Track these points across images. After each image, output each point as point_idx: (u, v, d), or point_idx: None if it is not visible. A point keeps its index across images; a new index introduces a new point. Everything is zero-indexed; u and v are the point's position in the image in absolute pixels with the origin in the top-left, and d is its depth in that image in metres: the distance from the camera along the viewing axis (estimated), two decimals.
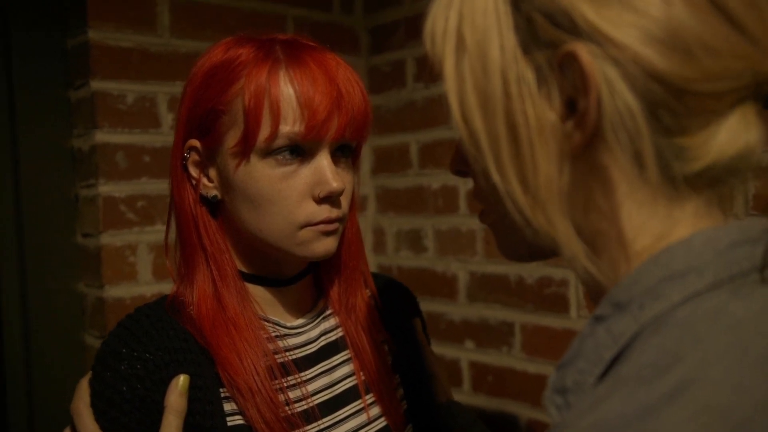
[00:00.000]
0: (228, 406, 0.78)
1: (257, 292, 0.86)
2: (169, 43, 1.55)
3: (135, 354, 0.77)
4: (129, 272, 1.49)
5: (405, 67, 1.83)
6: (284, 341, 0.85)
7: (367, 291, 0.96)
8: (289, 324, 0.87)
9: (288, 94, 0.77)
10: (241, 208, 0.81)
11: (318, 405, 0.84)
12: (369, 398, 0.89)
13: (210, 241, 0.84)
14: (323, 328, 0.90)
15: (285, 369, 0.83)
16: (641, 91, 0.44)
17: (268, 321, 0.85)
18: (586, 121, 0.45)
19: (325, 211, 0.80)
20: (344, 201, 0.83)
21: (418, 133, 1.81)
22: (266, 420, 0.77)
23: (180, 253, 0.86)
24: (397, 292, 1.03)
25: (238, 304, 0.82)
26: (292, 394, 0.82)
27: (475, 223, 1.69)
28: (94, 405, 0.78)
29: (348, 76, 0.81)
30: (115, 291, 1.47)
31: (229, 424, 0.77)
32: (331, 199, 0.80)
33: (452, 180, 1.73)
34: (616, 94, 0.44)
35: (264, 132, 0.77)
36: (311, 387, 0.85)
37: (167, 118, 1.54)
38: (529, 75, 0.47)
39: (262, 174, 0.78)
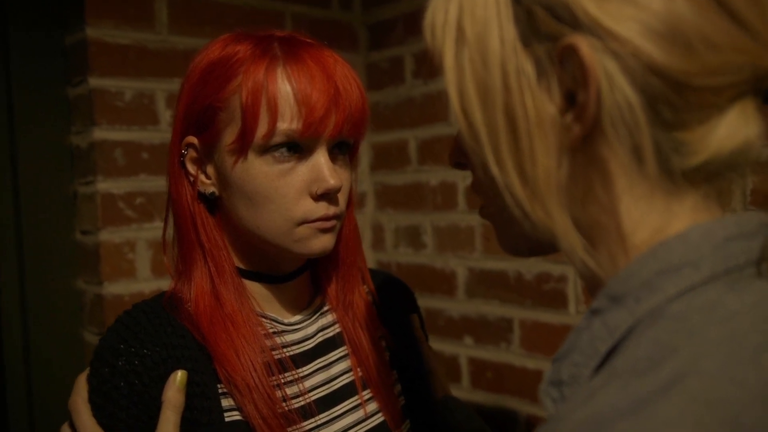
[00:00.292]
0: (225, 402, 0.78)
1: (255, 288, 0.86)
2: (167, 40, 1.55)
3: (133, 350, 0.77)
4: (127, 269, 1.49)
5: (403, 64, 1.83)
6: (281, 337, 0.85)
7: (365, 287, 0.96)
8: (286, 320, 0.87)
9: (285, 91, 0.77)
10: (239, 205, 0.81)
11: (315, 401, 0.84)
12: (366, 394, 0.89)
13: (207, 237, 0.84)
14: (321, 325, 0.90)
15: (282, 365, 0.83)
16: (641, 84, 0.44)
17: (265, 317, 0.86)
18: (585, 115, 0.45)
19: (323, 208, 0.80)
20: (342, 198, 0.83)
21: (416, 129, 1.81)
22: (263, 416, 0.78)
23: (178, 250, 0.86)
24: (395, 288, 1.03)
25: (235, 301, 0.83)
26: (290, 390, 0.82)
27: (473, 219, 1.69)
28: (92, 401, 0.78)
29: (345, 73, 0.81)
30: (114, 288, 1.47)
31: (226, 419, 0.77)
32: (328, 196, 0.81)
33: (451, 176, 1.73)
34: (615, 87, 0.44)
35: (261, 129, 0.77)
36: (308, 383, 0.85)
37: (165, 115, 1.54)
38: (529, 67, 0.47)
39: (260, 171, 0.78)
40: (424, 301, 1.79)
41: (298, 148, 0.79)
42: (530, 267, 1.58)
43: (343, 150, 0.83)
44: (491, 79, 0.48)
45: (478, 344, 1.70)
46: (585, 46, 0.44)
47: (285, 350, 0.85)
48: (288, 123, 0.77)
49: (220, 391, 0.79)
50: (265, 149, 0.78)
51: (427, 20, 0.52)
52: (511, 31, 0.47)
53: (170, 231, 0.88)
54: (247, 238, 0.84)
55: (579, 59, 0.44)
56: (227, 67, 0.79)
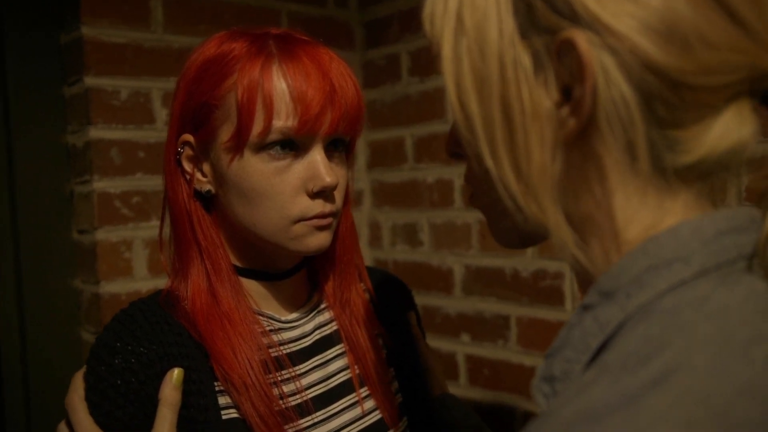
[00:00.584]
0: (222, 400, 0.78)
1: (251, 286, 0.86)
2: (162, 39, 1.55)
3: (129, 348, 0.77)
4: (124, 268, 1.49)
5: (400, 61, 1.83)
6: (278, 335, 0.85)
7: (362, 285, 0.96)
8: (283, 318, 0.87)
9: (281, 89, 0.77)
10: (235, 203, 0.81)
11: (312, 398, 0.84)
12: (363, 392, 0.89)
13: (204, 235, 0.84)
14: (318, 322, 0.90)
15: (279, 363, 0.83)
16: (637, 81, 0.44)
17: (262, 315, 0.86)
18: (580, 109, 0.45)
19: (319, 206, 0.80)
20: (338, 195, 0.83)
21: (413, 127, 1.81)
22: (260, 414, 0.78)
23: (174, 248, 0.86)
24: (392, 286, 1.03)
25: (232, 299, 0.83)
26: (286, 388, 0.83)
27: (470, 217, 1.69)
28: (89, 399, 0.78)
29: (341, 71, 0.81)
30: (111, 287, 1.47)
31: (223, 417, 0.78)
32: (324, 193, 0.81)
33: (447, 174, 1.73)
34: (611, 83, 0.44)
35: (257, 127, 0.77)
36: (305, 381, 0.85)
37: (161, 114, 1.54)
38: (526, 60, 0.47)
39: (256, 169, 0.78)
40: (421, 299, 1.79)
41: (294, 145, 0.79)
42: (527, 264, 1.59)
43: (339, 147, 0.84)
44: (488, 71, 0.47)
45: (475, 341, 1.70)
46: (583, 40, 0.44)
47: (282, 348, 0.85)
48: (284, 120, 0.77)
49: (216, 388, 0.79)
50: (261, 147, 0.78)
51: (426, 10, 0.52)
52: (510, 23, 0.47)
53: (167, 229, 0.88)
54: (243, 236, 0.84)
55: (576, 54, 0.44)
56: (223, 65, 0.79)
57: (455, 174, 1.71)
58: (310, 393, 0.85)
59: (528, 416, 1.61)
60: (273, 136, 0.77)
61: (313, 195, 0.80)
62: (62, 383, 0.85)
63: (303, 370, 0.86)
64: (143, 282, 1.51)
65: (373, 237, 1.95)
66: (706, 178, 0.48)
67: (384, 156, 1.90)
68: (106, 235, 1.46)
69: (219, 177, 0.82)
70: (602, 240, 0.49)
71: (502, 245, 0.58)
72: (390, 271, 1.21)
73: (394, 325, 0.97)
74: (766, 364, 0.40)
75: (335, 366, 0.89)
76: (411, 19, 1.79)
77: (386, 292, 1.00)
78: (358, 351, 0.90)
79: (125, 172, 1.49)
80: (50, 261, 1.51)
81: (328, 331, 0.91)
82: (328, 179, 0.79)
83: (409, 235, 1.84)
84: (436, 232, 1.78)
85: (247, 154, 0.78)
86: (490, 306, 1.67)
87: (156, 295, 0.85)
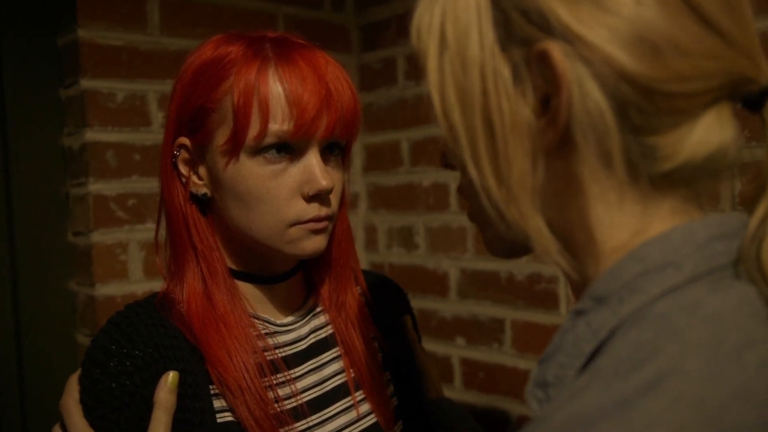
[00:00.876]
0: (217, 403, 0.78)
1: (247, 289, 0.86)
2: (159, 42, 1.55)
3: (124, 351, 0.77)
4: (120, 270, 1.48)
5: (396, 65, 1.83)
6: (274, 338, 0.86)
7: (358, 288, 0.96)
8: (278, 321, 0.87)
9: (277, 92, 0.77)
10: (231, 206, 0.81)
11: (307, 402, 0.84)
12: (359, 395, 0.89)
13: (200, 238, 0.84)
14: (313, 326, 0.90)
15: (274, 366, 0.83)
16: (611, 90, 0.44)
17: (258, 318, 0.86)
18: (557, 119, 0.46)
19: (315, 210, 0.80)
20: (334, 199, 0.83)
21: (409, 130, 1.81)
22: (255, 417, 0.78)
23: (170, 251, 0.86)
24: (388, 289, 1.03)
25: (227, 302, 0.83)
26: (282, 392, 0.83)
27: (465, 220, 1.69)
28: (84, 401, 0.78)
29: (337, 74, 0.81)
30: (106, 289, 1.47)
31: (218, 420, 0.78)
32: (320, 197, 0.81)
33: (443, 177, 1.73)
34: (586, 93, 0.44)
35: (253, 130, 0.77)
36: (301, 384, 0.85)
37: (157, 117, 1.54)
38: (506, 72, 0.47)
39: (252, 172, 0.79)
40: (417, 302, 1.79)
41: (289, 149, 0.79)
42: (522, 268, 1.59)
43: (335, 151, 0.84)
44: (470, 83, 0.48)
45: (470, 345, 1.71)
46: (557, 52, 0.45)
47: (277, 351, 0.85)
48: (279, 124, 0.77)
49: (212, 392, 0.79)
50: (257, 150, 0.78)
51: (414, 22, 0.53)
52: (490, 36, 0.48)
53: (163, 232, 0.88)
54: (239, 239, 0.85)
55: (551, 65, 0.45)
56: (219, 68, 0.79)
57: (451, 178, 1.72)
58: (306, 396, 0.85)
59: (522, 420, 1.62)
60: (269, 140, 0.77)
61: (309, 198, 0.80)
62: (57, 386, 0.84)
63: (298, 374, 0.86)
64: (138, 284, 1.50)
65: (369, 240, 1.95)
66: (691, 183, 0.48)
67: (380, 159, 1.90)
68: (101, 237, 1.46)
69: (215, 180, 0.82)
70: (587, 248, 0.49)
71: (492, 254, 0.58)
72: (386, 275, 1.21)
73: (389, 329, 0.97)
74: (759, 369, 0.40)
75: (331, 369, 0.89)
76: (407, 23, 1.79)
77: (382, 296, 1.00)
78: (353, 354, 0.90)
79: (121, 174, 1.49)
80: (46, 263, 1.51)
81: (323, 335, 0.91)
82: (324, 183, 0.79)
83: (405, 238, 1.85)
84: (432, 235, 1.78)
85: (243, 158, 0.78)
86: (485, 309, 1.67)
87: (151, 298, 0.85)
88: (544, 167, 0.48)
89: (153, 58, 1.54)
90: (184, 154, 0.83)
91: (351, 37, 1.93)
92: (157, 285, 1.44)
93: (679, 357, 0.40)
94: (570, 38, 0.45)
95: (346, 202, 0.91)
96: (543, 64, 0.46)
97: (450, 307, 1.74)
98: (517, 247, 0.54)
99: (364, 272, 0.99)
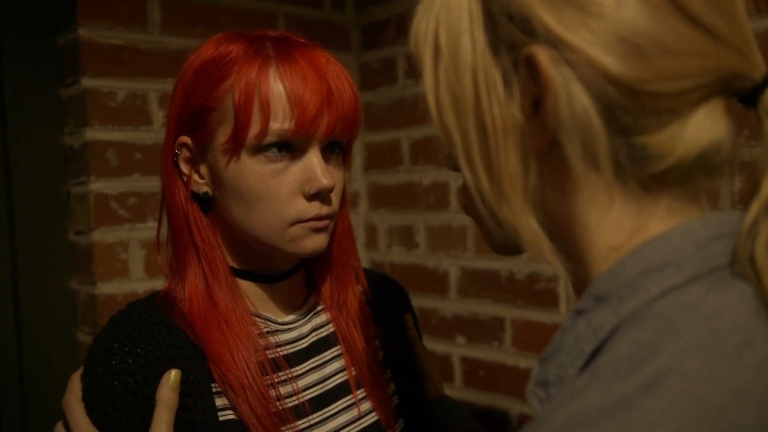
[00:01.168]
0: (219, 401, 0.79)
1: (248, 287, 0.87)
2: (159, 41, 1.55)
3: (126, 349, 0.78)
4: (121, 269, 1.49)
5: (396, 64, 1.84)
6: (275, 337, 0.86)
7: (359, 287, 0.96)
8: (280, 320, 0.88)
9: (278, 91, 0.77)
10: (232, 205, 0.81)
11: (309, 400, 0.85)
12: (360, 393, 0.89)
13: (201, 237, 0.84)
14: (314, 324, 0.91)
15: (276, 364, 0.83)
16: (597, 93, 0.45)
17: (259, 317, 0.86)
18: (546, 122, 0.46)
19: (315, 208, 0.81)
20: (334, 198, 0.83)
21: (409, 129, 1.81)
22: (257, 415, 0.78)
23: (171, 250, 0.87)
24: (389, 288, 1.03)
25: (229, 300, 0.83)
26: (283, 390, 0.83)
27: (466, 219, 1.70)
28: (86, 400, 0.78)
29: (338, 73, 0.81)
30: (107, 288, 1.47)
31: (220, 419, 0.78)
32: (321, 195, 0.81)
33: (443, 176, 1.74)
34: (572, 96, 0.45)
35: (254, 129, 0.77)
36: (302, 382, 0.85)
37: (158, 116, 1.54)
38: (497, 76, 0.48)
39: (253, 171, 0.79)
40: (417, 301, 1.79)
41: (290, 147, 0.79)
42: (522, 267, 1.59)
43: (335, 150, 0.84)
44: (462, 88, 0.49)
45: (470, 343, 1.71)
46: (543, 56, 0.45)
47: (279, 349, 0.85)
48: (280, 123, 0.77)
49: (213, 390, 0.79)
50: (258, 149, 0.78)
51: (413, 28, 0.54)
52: (481, 40, 0.48)
53: (164, 231, 0.88)
54: (240, 238, 0.85)
55: (538, 69, 0.45)
56: (220, 67, 0.79)
57: (451, 177, 1.72)
58: (307, 395, 0.85)
59: (523, 418, 1.62)
60: (270, 139, 0.77)
61: (310, 197, 0.80)
62: (59, 384, 0.85)
63: (300, 372, 0.86)
64: (140, 283, 1.51)
65: (369, 239, 1.95)
66: (686, 181, 0.48)
67: (380, 158, 1.90)
68: (102, 236, 1.46)
69: (216, 179, 0.82)
70: (582, 248, 0.50)
71: (492, 250, 0.59)
72: (386, 273, 1.21)
73: (390, 327, 0.97)
74: (758, 369, 0.40)
75: (332, 368, 0.89)
76: (407, 23, 1.79)
77: (383, 294, 1.00)
78: (354, 353, 0.90)
79: (122, 173, 1.49)
80: (47, 262, 1.51)
81: (324, 333, 0.91)
82: (325, 182, 0.79)
83: (405, 237, 1.85)
84: (432, 234, 1.78)
85: (244, 157, 0.79)
86: (485, 308, 1.67)
87: (153, 297, 0.85)
88: (536, 169, 0.49)
89: (153, 58, 1.54)
90: (185, 153, 0.83)
91: (351, 37, 1.93)
92: (158, 283, 1.44)
93: (678, 357, 0.40)
94: (555, 42, 0.45)
95: (347, 200, 0.92)
96: (531, 69, 0.46)
97: (450, 305, 1.75)
98: (510, 246, 0.55)
99: (365, 271, 1.00)
